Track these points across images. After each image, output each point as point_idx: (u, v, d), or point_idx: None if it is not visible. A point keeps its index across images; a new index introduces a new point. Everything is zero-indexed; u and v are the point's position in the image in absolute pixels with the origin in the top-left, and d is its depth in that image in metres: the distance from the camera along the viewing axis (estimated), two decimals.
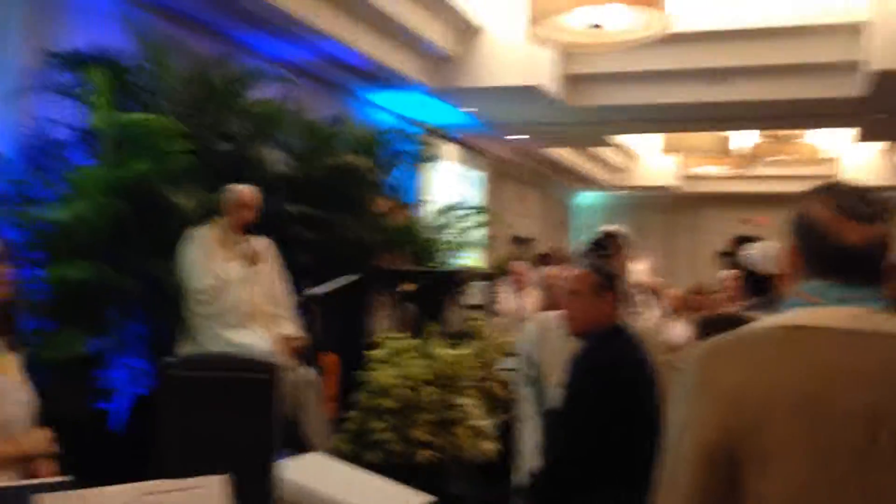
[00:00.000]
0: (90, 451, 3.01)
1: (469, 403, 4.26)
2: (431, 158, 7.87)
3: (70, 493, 1.43)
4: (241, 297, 4.25)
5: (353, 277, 4.98)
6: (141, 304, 4.40)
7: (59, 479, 1.41)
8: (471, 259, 8.23)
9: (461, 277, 6.40)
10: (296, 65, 6.89)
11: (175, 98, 4.81)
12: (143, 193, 4.22)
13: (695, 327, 2.69)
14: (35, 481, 1.50)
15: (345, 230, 5.60)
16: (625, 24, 6.14)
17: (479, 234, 7.68)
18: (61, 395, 3.67)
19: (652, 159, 14.39)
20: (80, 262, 3.96)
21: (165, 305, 4.29)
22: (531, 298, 6.80)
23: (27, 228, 4.07)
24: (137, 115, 4.30)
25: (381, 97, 8.41)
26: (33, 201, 4.15)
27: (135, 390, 4.41)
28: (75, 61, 4.52)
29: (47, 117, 4.47)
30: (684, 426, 1.26)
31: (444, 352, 4.35)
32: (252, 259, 4.34)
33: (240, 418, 2.66)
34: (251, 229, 4.43)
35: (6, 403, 2.00)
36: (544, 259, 8.44)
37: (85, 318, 4.03)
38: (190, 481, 1.52)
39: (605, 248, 3.52)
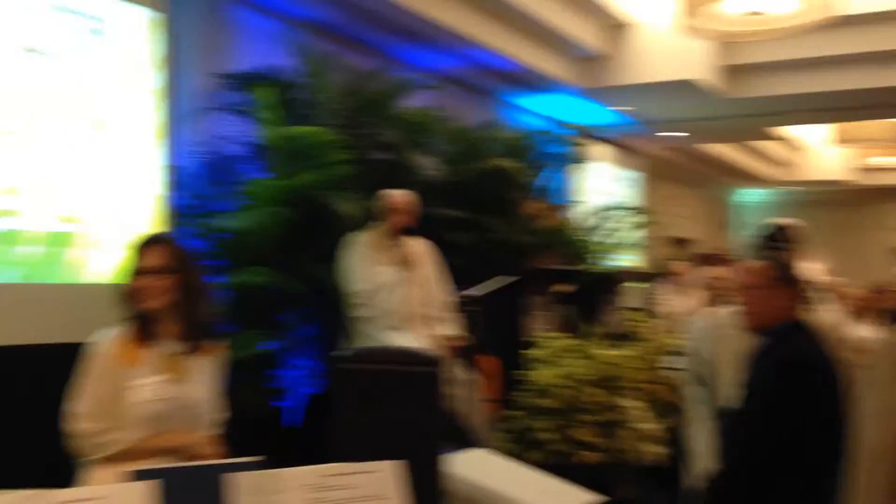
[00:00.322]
0: (266, 446, 3.18)
1: (632, 405, 4.14)
2: (582, 159, 7.77)
3: (261, 471, 1.51)
4: (396, 301, 4.34)
5: (510, 279, 4.98)
6: (310, 308, 4.62)
7: (249, 459, 1.50)
8: (627, 260, 8.03)
9: (618, 278, 6.26)
10: (445, 73, 7.02)
11: (334, 111, 5.03)
12: (309, 202, 4.44)
13: (887, 321, 2.49)
14: (226, 461, 1.59)
15: (496, 232, 5.63)
16: (787, 8, 5.81)
17: (634, 234, 7.49)
18: (240, 393, 3.92)
19: (821, 152, 13.44)
20: (256, 268, 4.22)
21: (332, 308, 4.48)
22: (692, 299, 6.54)
23: (209, 238, 4.38)
24: (301, 129, 4.53)
25: (531, 101, 8.40)
26: (213, 213, 4.47)
27: (306, 389, 4.63)
28: (244, 81, 4.85)
29: (222, 135, 4.81)
30: (877, 417, 1.17)
31: (604, 352, 4.26)
32: (406, 262, 4.43)
33: (407, 411, 2.73)
34: (409, 233, 4.52)
35: (154, 401, 2.11)
36: (705, 259, 8.09)
37: (261, 321, 4.28)
38: (368, 465, 1.57)
39: (779, 242, 3.31)
